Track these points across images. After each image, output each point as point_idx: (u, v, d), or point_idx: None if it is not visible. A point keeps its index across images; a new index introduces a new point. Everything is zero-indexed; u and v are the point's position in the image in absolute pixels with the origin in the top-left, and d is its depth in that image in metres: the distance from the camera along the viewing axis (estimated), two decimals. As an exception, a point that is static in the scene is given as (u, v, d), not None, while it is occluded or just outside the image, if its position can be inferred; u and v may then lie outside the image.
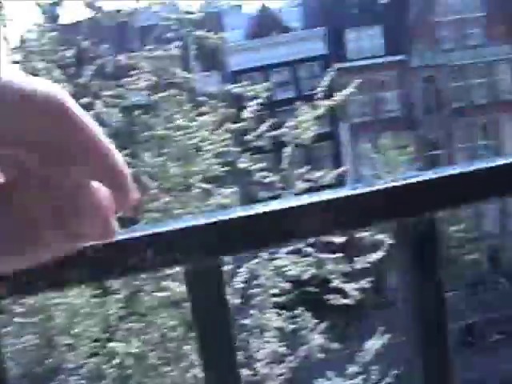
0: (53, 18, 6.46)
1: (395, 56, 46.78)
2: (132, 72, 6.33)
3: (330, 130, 40.49)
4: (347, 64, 44.69)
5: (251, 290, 6.98)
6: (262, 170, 6.73)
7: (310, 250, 7.04)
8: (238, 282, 7.40)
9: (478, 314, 39.54)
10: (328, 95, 7.23)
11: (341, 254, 7.28)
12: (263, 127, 6.85)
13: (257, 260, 6.99)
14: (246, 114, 6.68)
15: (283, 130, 6.92)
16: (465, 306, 37.09)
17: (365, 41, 47.32)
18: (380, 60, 46.69)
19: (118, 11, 6.16)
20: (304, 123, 6.92)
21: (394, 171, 40.00)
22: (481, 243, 46.23)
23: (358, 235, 7.26)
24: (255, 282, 7.00)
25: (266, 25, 47.22)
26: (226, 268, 7.99)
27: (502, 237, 49.07)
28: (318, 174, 7.14)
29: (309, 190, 7.27)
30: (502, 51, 48.83)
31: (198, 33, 6.32)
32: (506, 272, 46.51)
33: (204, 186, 6.66)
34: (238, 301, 7.17)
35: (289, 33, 48.06)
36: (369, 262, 7.38)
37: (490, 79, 49.22)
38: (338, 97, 7.07)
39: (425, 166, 45.09)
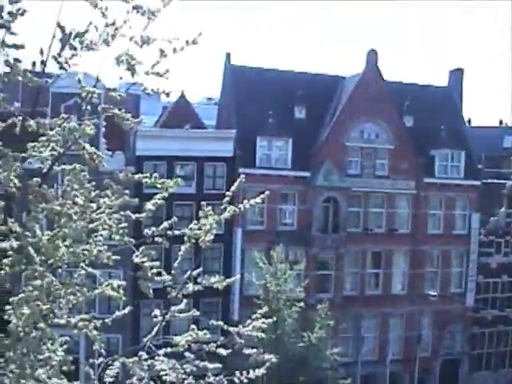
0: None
1: (301, 172, 47.46)
2: (40, 138, 5.95)
3: (224, 232, 40.31)
4: (253, 170, 45.11)
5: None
6: (154, 267, 6.40)
7: (191, 356, 6.70)
8: (108, 377, 7.02)
9: None
10: (231, 199, 7.02)
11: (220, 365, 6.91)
12: (165, 224, 6.56)
13: (134, 358, 6.60)
14: (148, 205, 6.37)
15: (186, 230, 6.65)
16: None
17: (274, 151, 47.92)
18: (286, 173, 47.26)
19: (37, 73, 5.81)
20: (207, 225, 6.69)
21: (282, 284, 40.13)
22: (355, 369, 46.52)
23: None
24: (127, 381, 6.58)
25: (180, 116, 47.35)
26: (96, 361, 7.65)
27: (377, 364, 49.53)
28: (211, 279, 6.83)
29: (199, 293, 7.08)
30: (402, 185, 50.35)
31: (116, 111, 6.00)
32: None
33: (92, 271, 6.29)
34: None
35: (201, 129, 48.30)
36: (248, 379, 7.03)
37: (388, 210, 50.46)
38: (246, 205, 6.84)
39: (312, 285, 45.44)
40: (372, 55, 50.17)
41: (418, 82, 54.96)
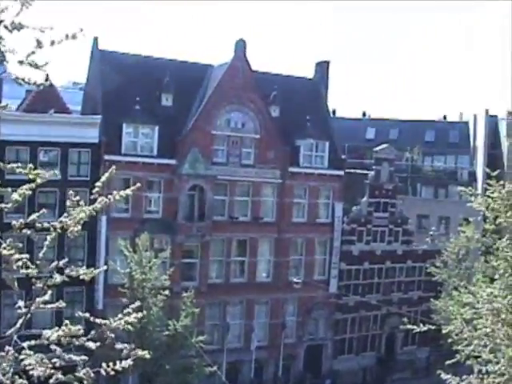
0: None
1: (167, 159, 47.23)
2: None
3: (88, 220, 39.57)
4: (119, 157, 44.56)
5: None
6: (20, 259, 6.19)
7: (58, 349, 6.53)
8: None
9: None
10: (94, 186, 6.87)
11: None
12: (34, 216, 6.35)
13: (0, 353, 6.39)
14: (15, 196, 6.15)
15: (55, 223, 6.46)
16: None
17: (140, 138, 47.46)
18: (151, 160, 46.89)
19: None
20: (77, 216, 6.53)
21: (147, 272, 39.86)
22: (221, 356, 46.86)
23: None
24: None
25: (44, 101, 46.08)
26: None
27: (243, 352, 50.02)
28: (79, 270, 6.67)
29: (62, 282, 6.91)
30: (268, 174, 50.94)
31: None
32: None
33: None
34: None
35: (66, 114, 47.20)
36: (114, 370, 6.94)
37: (253, 199, 50.93)
38: (116, 196, 6.72)
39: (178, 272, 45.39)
40: (240, 44, 50.37)
41: (285, 73, 55.67)
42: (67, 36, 5.75)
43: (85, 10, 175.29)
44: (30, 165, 6.16)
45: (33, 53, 5.75)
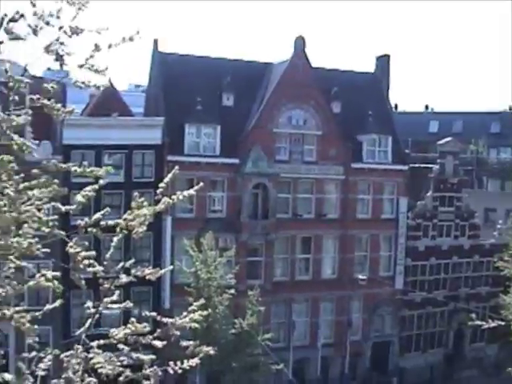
0: None
1: (230, 158, 47.48)
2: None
3: (153, 220, 39.98)
4: (181, 158, 44.94)
5: (54, 381, 6.46)
6: (86, 258, 6.31)
7: (126, 348, 6.64)
8: (40, 370, 6.93)
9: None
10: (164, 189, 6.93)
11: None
12: (98, 215, 6.46)
13: (71, 352, 6.52)
14: (79, 197, 6.26)
15: (119, 221, 6.55)
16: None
17: (203, 138, 47.79)
18: (214, 160, 47.19)
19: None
20: (142, 217, 6.61)
21: (213, 271, 40.15)
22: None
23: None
24: (63, 375, 6.49)
25: (107, 104, 46.80)
26: (28, 354, 7.53)
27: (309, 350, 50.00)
28: (145, 270, 6.76)
29: (130, 282, 6.99)
30: (331, 171, 50.81)
31: (45, 102, 5.89)
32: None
33: (22, 264, 6.18)
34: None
35: (129, 117, 47.84)
36: (181, 369, 7.02)
37: (317, 196, 50.85)
38: (179, 196, 6.78)
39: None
40: (299, 42, 50.34)
41: (346, 69, 55.46)
42: (124, 39, 5.84)
43: (143, 12, 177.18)
44: (85, 162, 6.25)
45: (91, 56, 5.85)
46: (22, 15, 5.57)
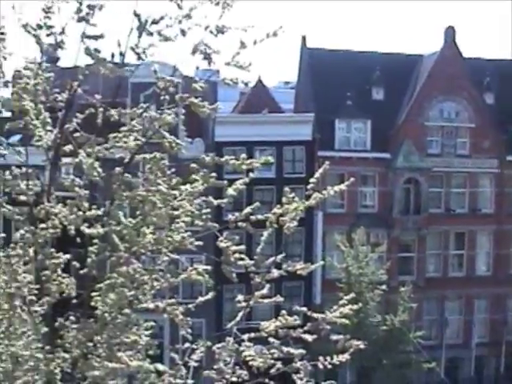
0: (52, 59, 6.23)
1: (380, 153, 47.12)
2: (122, 128, 6.06)
3: (304, 215, 40.25)
4: (333, 153, 44.95)
5: (206, 372, 6.62)
6: (236, 252, 6.44)
7: (276, 341, 6.72)
8: (192, 361, 7.13)
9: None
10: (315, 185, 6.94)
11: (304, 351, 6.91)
12: (248, 209, 6.58)
13: (223, 344, 6.68)
14: (230, 191, 6.40)
15: (269, 215, 6.64)
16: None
17: (353, 133, 47.67)
18: (365, 155, 46.98)
19: (117, 64, 5.91)
20: (292, 212, 6.67)
21: (364, 267, 40.00)
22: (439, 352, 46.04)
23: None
24: (215, 366, 6.65)
25: (257, 102, 47.47)
26: (182, 346, 7.76)
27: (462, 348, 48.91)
28: (296, 265, 6.80)
29: (281, 277, 7.05)
30: (485, 164, 49.48)
31: (193, 100, 6.05)
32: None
33: (175, 256, 6.37)
34: (189, 381, 6.83)
35: (279, 113, 48.34)
36: (331, 364, 7.01)
37: (471, 190, 49.66)
38: (330, 191, 6.79)
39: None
40: (450, 32, 49.35)
41: (498, 58, 53.77)
42: (268, 34, 5.90)
43: (289, 10, 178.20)
44: (244, 155, 6.37)
45: (237, 54, 5.95)
46: (161, 17, 5.76)
